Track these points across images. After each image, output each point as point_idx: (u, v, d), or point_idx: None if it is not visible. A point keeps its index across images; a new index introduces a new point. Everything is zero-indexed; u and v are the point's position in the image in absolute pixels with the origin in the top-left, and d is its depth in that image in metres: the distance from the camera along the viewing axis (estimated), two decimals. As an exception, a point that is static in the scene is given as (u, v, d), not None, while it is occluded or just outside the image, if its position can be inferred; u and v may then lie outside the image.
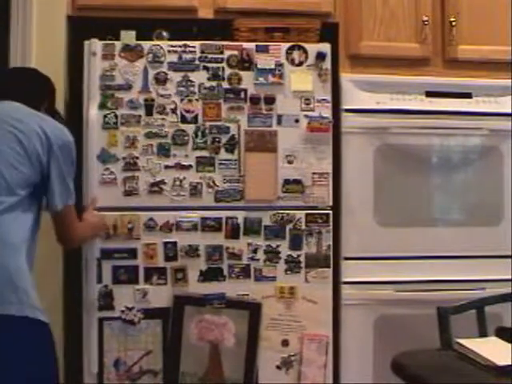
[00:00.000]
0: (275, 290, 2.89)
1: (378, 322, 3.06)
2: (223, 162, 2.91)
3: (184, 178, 2.88)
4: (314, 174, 2.95)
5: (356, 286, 3.04)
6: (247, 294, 2.87)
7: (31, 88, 2.39)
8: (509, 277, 2.99)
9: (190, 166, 2.89)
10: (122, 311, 2.80)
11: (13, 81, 2.43)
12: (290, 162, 2.93)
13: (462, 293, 2.89)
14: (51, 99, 2.48)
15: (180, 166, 2.88)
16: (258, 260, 2.89)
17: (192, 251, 2.85)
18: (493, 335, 2.41)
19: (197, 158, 2.89)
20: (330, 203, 2.96)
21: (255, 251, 2.88)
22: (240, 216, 2.88)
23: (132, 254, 2.83)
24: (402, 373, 2.18)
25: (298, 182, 2.94)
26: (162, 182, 2.87)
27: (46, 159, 2.18)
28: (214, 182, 2.90)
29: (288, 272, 2.91)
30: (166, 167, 2.88)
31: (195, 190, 2.89)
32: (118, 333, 2.80)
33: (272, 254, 2.90)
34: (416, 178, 3.11)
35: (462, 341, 2.28)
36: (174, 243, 2.84)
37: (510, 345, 2.21)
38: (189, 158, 2.89)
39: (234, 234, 2.88)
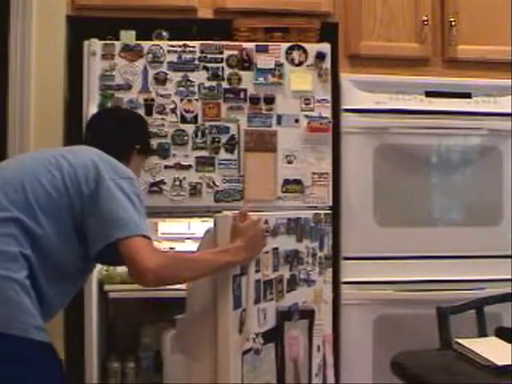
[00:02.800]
0: (314, 293, 2.54)
1: (377, 322, 3.06)
2: (223, 161, 2.91)
3: (184, 178, 2.88)
4: (313, 174, 2.95)
5: (356, 286, 3.04)
6: (305, 302, 2.46)
7: (117, 138, 2.17)
8: (509, 277, 2.99)
9: (190, 166, 2.89)
10: (253, 339, 2.21)
11: (100, 130, 2.22)
12: (289, 162, 2.93)
13: (462, 293, 2.89)
14: (144, 140, 2.29)
15: (180, 166, 2.88)
16: (309, 263, 2.52)
17: (289, 258, 2.40)
18: (493, 335, 2.41)
19: (196, 157, 2.89)
20: (330, 203, 2.96)
21: (308, 254, 2.51)
22: (302, 216, 2.50)
23: (257, 265, 2.23)
24: (402, 373, 2.18)
25: (297, 181, 2.94)
26: (162, 181, 2.87)
27: (88, 192, 1.88)
28: (213, 182, 2.90)
29: (320, 273, 2.58)
30: (166, 167, 2.87)
31: (195, 190, 2.89)
32: (251, 368, 2.20)
33: (314, 257, 2.55)
34: (416, 178, 3.11)
35: (461, 341, 2.28)
36: (276, 249, 2.35)
37: (509, 345, 2.21)
38: (188, 158, 2.89)
39: (300, 236, 2.48)
